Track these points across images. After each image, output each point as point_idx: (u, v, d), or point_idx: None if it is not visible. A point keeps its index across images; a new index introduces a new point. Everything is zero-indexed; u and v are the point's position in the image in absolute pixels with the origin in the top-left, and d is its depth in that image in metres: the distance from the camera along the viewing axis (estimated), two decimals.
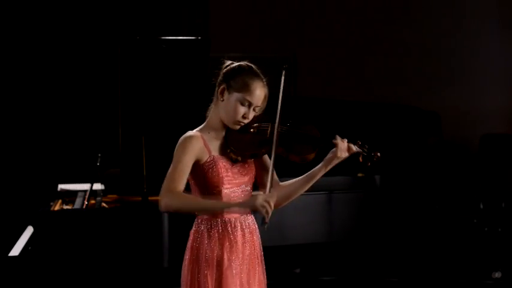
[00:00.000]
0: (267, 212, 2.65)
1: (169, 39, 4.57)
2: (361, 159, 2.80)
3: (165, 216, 4.06)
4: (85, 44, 6.83)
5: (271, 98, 2.82)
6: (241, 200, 2.76)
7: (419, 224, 5.25)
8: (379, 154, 2.80)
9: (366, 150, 2.80)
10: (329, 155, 2.79)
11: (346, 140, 2.79)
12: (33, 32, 6.78)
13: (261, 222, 2.69)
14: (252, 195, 2.72)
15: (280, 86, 2.77)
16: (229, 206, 2.73)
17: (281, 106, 2.75)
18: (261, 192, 2.73)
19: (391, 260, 5.73)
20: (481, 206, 6.24)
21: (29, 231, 4.19)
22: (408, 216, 5.12)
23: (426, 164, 5.94)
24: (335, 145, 2.77)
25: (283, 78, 2.79)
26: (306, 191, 2.90)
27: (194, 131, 2.79)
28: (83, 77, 6.84)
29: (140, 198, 4.34)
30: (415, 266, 5.72)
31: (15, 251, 3.92)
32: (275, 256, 5.03)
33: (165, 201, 2.68)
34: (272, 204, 2.66)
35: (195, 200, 2.74)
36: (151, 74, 4.38)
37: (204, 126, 2.82)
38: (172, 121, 4.39)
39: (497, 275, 5.53)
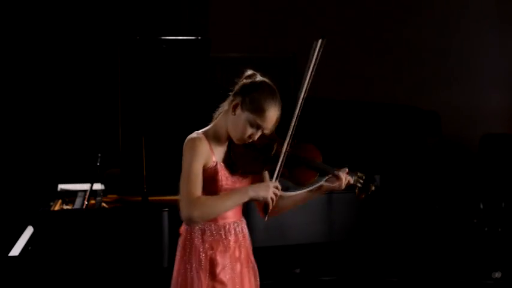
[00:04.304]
0: (272, 203, 2.68)
1: (169, 39, 4.56)
2: (357, 192, 2.84)
3: (165, 216, 4.06)
4: (85, 44, 6.83)
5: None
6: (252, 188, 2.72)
7: (419, 224, 5.25)
8: (373, 188, 2.83)
9: (361, 181, 2.83)
10: (329, 185, 2.80)
11: (346, 171, 2.80)
12: (33, 32, 6.78)
13: (263, 211, 2.71)
14: (263, 185, 2.69)
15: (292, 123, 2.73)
16: (247, 196, 2.67)
17: (292, 130, 2.71)
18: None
19: (391, 260, 5.73)
20: (481, 206, 6.24)
21: (29, 231, 4.20)
22: (408, 216, 5.12)
23: (426, 164, 5.94)
24: (337, 177, 2.78)
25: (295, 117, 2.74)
26: None
27: (199, 132, 2.74)
28: (83, 77, 6.84)
29: (140, 198, 4.34)
30: (415, 266, 5.72)
31: (15, 251, 3.92)
32: (275, 256, 5.04)
33: (188, 214, 2.62)
34: (278, 195, 2.70)
35: (217, 202, 2.66)
36: (151, 74, 4.38)
37: (209, 130, 2.76)
38: (173, 121, 4.39)
39: (497, 275, 5.53)
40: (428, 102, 6.89)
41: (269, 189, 2.66)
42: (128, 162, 4.51)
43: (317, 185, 2.82)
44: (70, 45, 6.83)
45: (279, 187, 2.71)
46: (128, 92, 4.44)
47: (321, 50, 2.72)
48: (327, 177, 2.81)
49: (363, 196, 2.82)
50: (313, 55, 2.72)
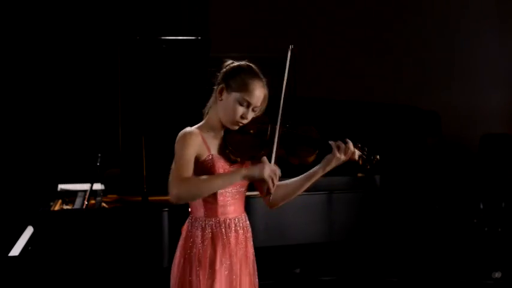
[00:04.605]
0: (272, 183, 2.68)
1: (169, 39, 4.57)
2: (360, 162, 2.80)
3: (165, 216, 4.06)
4: (85, 44, 6.83)
5: (270, 98, 2.81)
6: (246, 168, 2.72)
7: (419, 224, 5.25)
8: (378, 157, 2.80)
9: (365, 153, 2.80)
10: (328, 157, 2.78)
11: (351, 143, 2.77)
12: (33, 32, 6.78)
13: (266, 192, 2.72)
14: (259, 164, 2.69)
15: (282, 88, 2.76)
16: (240, 174, 2.69)
17: (282, 108, 2.74)
18: (267, 162, 2.71)
19: (391, 260, 5.73)
20: (481, 206, 6.24)
21: (29, 231, 4.20)
22: (408, 216, 5.12)
23: (426, 164, 5.94)
24: (338, 147, 2.75)
25: (284, 83, 2.77)
26: (306, 191, 2.90)
27: (192, 128, 2.78)
28: (83, 77, 6.84)
29: (140, 198, 4.34)
30: (415, 266, 5.72)
31: (15, 251, 3.93)
32: (275, 256, 5.04)
33: (176, 191, 2.64)
34: (278, 176, 2.69)
35: (206, 180, 2.66)
36: (151, 74, 4.38)
37: (202, 125, 2.80)
38: (172, 121, 4.38)
39: (497, 275, 5.53)
40: (428, 102, 6.90)
41: (265, 168, 2.67)
42: (128, 162, 4.51)
43: (319, 165, 2.80)
44: (70, 46, 6.82)
45: (278, 169, 2.70)
46: (128, 92, 4.45)
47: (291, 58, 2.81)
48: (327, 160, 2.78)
49: (368, 167, 2.80)
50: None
